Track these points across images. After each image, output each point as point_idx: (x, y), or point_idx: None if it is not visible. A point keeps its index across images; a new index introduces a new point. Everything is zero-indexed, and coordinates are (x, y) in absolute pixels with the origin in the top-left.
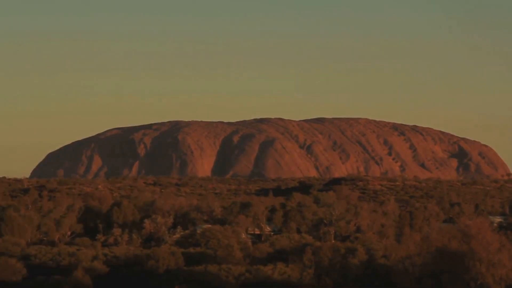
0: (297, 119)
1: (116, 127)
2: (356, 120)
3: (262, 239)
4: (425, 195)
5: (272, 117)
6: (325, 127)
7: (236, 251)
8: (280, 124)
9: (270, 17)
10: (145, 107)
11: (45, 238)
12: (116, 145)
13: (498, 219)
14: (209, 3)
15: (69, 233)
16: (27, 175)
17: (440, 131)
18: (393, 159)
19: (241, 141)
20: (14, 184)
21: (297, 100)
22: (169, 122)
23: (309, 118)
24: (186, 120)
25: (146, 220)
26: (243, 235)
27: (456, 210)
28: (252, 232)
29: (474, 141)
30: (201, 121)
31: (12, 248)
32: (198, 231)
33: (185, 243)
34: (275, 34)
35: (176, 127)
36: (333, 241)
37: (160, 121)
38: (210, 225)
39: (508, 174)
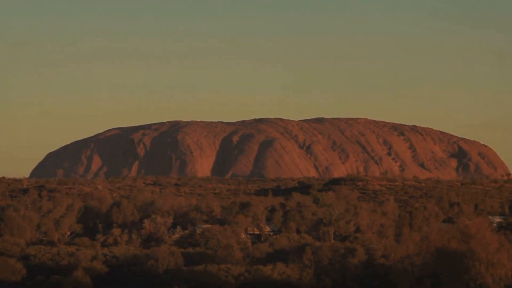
0: (297, 119)
1: (115, 127)
2: (356, 120)
3: (262, 239)
4: (425, 195)
5: (272, 117)
6: (325, 127)
7: (236, 251)
8: (279, 124)
9: (269, 17)
10: (145, 107)
11: (44, 238)
12: (116, 145)
13: (497, 219)
14: (209, 2)
15: (68, 233)
16: (27, 175)
17: (439, 131)
18: (393, 159)
19: (241, 141)
20: (14, 184)
21: (296, 100)
22: (169, 122)
23: (309, 118)
24: (186, 120)
25: (145, 220)
26: (243, 235)
27: (456, 210)
28: (252, 232)
29: (473, 141)
30: (201, 121)
31: (11, 248)
32: (198, 231)
33: (184, 243)
34: (275, 33)
35: (175, 127)
36: (332, 241)
37: (159, 121)
38: (209, 225)
39: (508, 174)
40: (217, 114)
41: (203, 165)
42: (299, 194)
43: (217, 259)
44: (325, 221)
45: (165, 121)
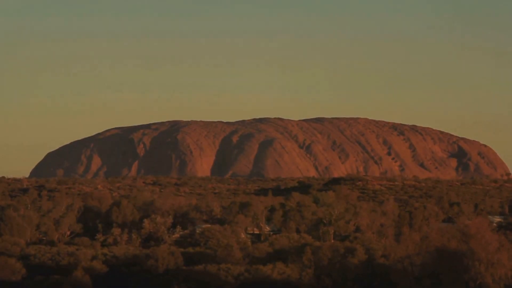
0: (297, 119)
1: (115, 126)
2: (355, 119)
3: (262, 238)
4: (425, 195)
5: (272, 116)
6: (324, 127)
7: (236, 251)
8: (279, 123)
9: (269, 17)
10: (144, 107)
11: (44, 238)
12: (116, 145)
13: (497, 219)
14: (209, 2)
15: (68, 232)
16: (27, 175)
17: (439, 131)
18: (393, 159)
19: (241, 140)
20: (14, 184)
21: (296, 99)
22: (168, 121)
23: (309, 117)
24: (185, 119)
25: (145, 220)
26: (242, 235)
27: (456, 210)
28: (252, 232)
29: (473, 141)
30: (200, 121)
31: (11, 248)
32: (198, 231)
33: (184, 243)
34: (274, 33)
35: (175, 126)
36: (332, 241)
37: (159, 121)
38: (209, 225)
39: (508, 174)
40: (217, 114)
41: (203, 164)
42: (299, 194)
43: (217, 259)
44: (325, 221)
45: (165, 121)
